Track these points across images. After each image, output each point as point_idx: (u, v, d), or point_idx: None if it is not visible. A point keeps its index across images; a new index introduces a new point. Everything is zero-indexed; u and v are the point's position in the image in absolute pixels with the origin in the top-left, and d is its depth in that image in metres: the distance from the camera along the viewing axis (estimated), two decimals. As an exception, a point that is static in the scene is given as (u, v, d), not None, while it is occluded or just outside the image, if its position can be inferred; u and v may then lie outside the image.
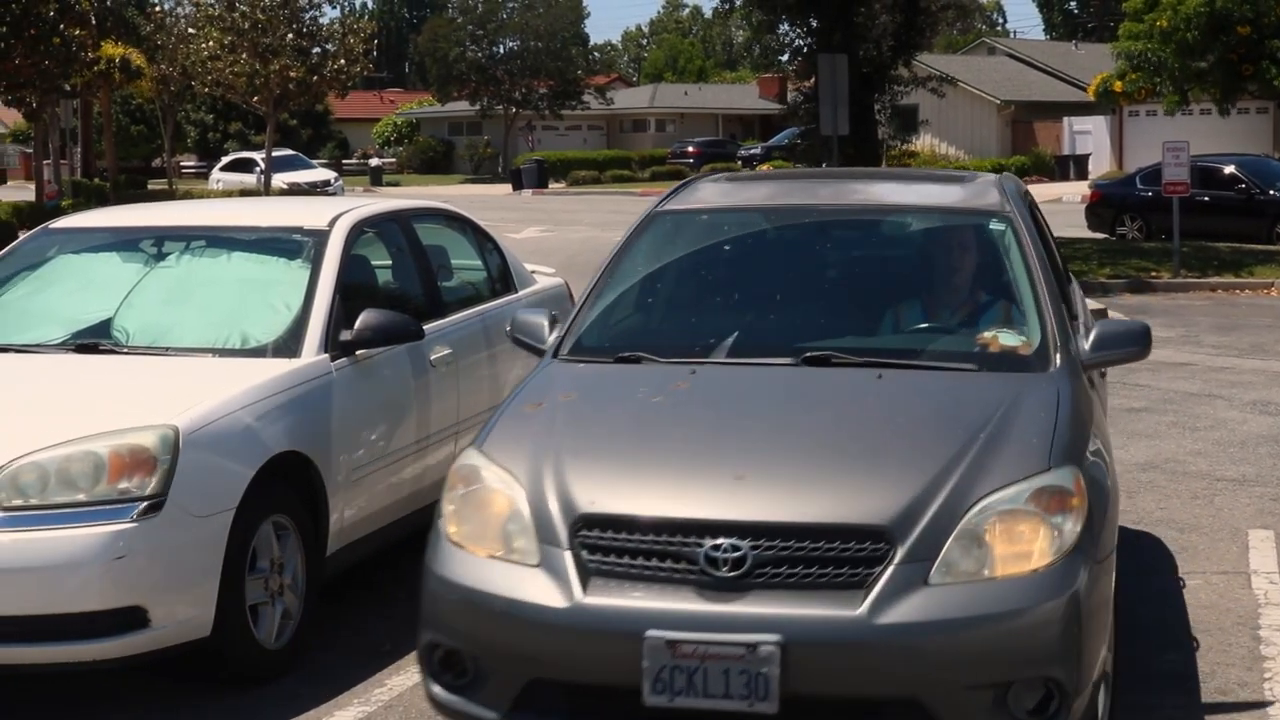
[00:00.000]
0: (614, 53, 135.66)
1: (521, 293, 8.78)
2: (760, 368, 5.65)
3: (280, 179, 46.60)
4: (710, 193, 7.03)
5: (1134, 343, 5.90)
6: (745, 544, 4.61)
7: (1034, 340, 5.73)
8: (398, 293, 7.80)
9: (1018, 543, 4.71)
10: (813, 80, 26.72)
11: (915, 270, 6.53)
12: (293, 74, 39.26)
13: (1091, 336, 5.86)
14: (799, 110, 29.90)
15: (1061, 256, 7.26)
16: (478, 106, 68.98)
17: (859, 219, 6.77)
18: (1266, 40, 43.18)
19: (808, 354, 5.62)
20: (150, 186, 51.26)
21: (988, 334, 5.82)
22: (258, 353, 6.64)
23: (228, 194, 43.40)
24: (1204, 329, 17.29)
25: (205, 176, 58.22)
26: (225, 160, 57.04)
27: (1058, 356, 5.63)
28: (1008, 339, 5.78)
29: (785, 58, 31.65)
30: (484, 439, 5.31)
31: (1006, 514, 4.73)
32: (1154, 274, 22.28)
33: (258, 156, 50.26)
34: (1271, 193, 27.77)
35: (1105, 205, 29.72)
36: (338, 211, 7.48)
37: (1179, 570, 7.74)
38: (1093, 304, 18.47)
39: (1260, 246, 25.67)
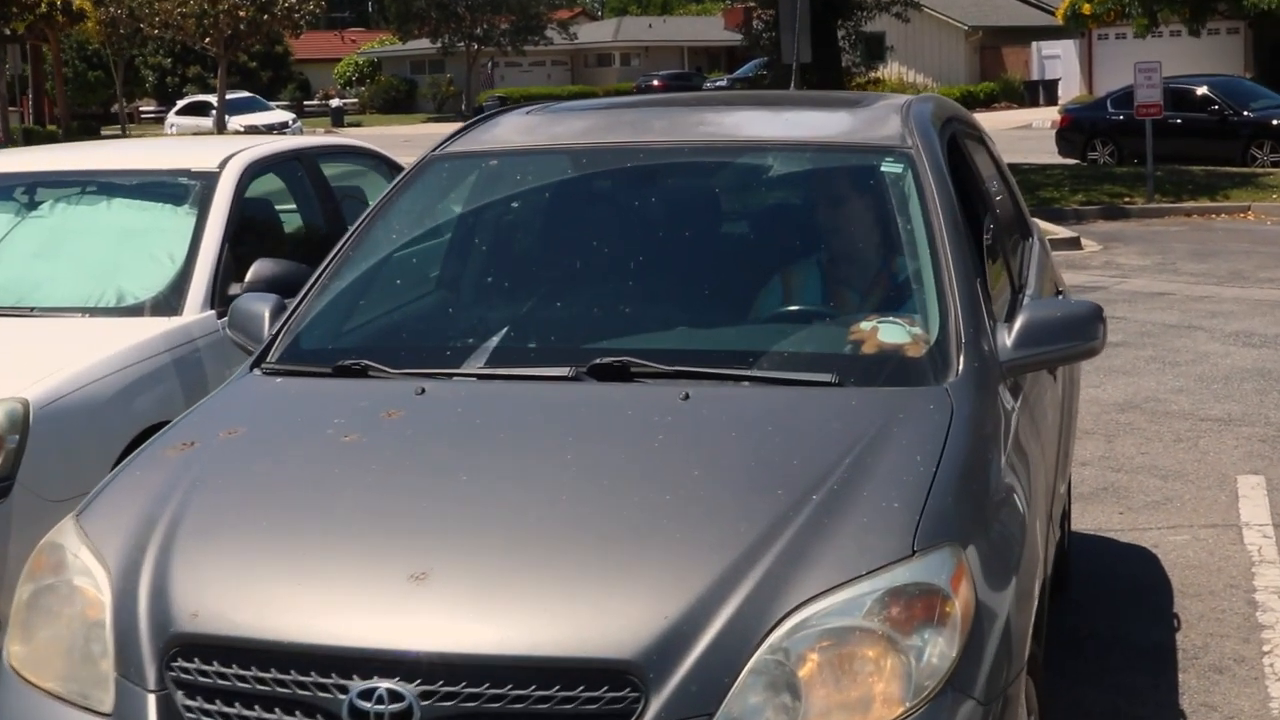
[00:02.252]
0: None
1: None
2: (522, 384, 3.93)
3: (236, 121, 46.00)
4: (510, 129, 5.13)
5: (1077, 334, 4.03)
6: (413, 688, 2.97)
7: (930, 333, 3.96)
8: (301, 240, 7.08)
9: (850, 683, 2.99)
10: (775, 7, 26.01)
11: (772, 232, 4.69)
12: (242, 13, 38.34)
13: (1015, 327, 4.02)
14: (761, 40, 29.21)
15: (1016, 200, 6.01)
16: (439, 44, 67.85)
17: (700, 162, 4.84)
18: (1237, -41, 42.55)
19: (595, 362, 3.87)
20: (103, 133, 50.21)
21: (864, 325, 4.04)
22: (134, 311, 5.92)
23: (181, 137, 42.51)
24: (1181, 256, 16.65)
25: (164, 121, 57.26)
26: (180, 104, 56.09)
27: (960, 359, 3.84)
28: (891, 333, 4.00)
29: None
30: (86, 503, 3.65)
31: (833, 635, 3.01)
32: (1128, 199, 21.64)
33: (213, 99, 49.38)
34: (1245, 114, 27.25)
35: (1076, 130, 29.17)
36: (230, 151, 6.74)
37: (1164, 523, 7.10)
38: (1065, 232, 17.92)
39: (1235, 169, 25.09)
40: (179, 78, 72.58)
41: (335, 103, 66.47)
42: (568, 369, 3.89)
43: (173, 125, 51.95)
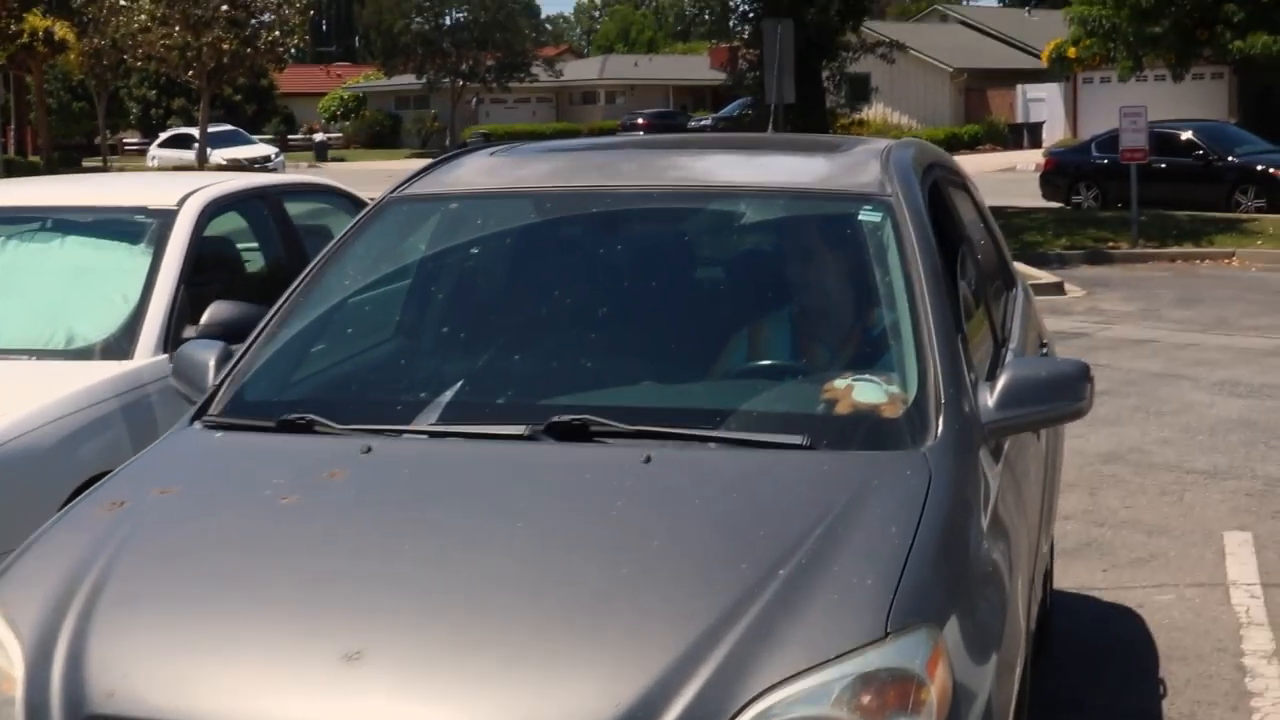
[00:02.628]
0: (566, 25, 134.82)
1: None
2: (475, 443, 3.68)
3: (219, 155, 45.85)
4: (473, 170, 4.93)
5: (1063, 395, 3.81)
6: None
7: (907, 393, 3.73)
8: (263, 281, 6.86)
9: None
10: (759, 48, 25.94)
11: (743, 283, 4.48)
12: (226, 46, 38.07)
13: (998, 386, 3.79)
14: (745, 79, 29.11)
15: (999, 248, 5.78)
16: (424, 80, 67.78)
17: (670, 208, 4.62)
18: (1221, 4, 42.59)
19: (553, 420, 3.63)
20: (85, 164, 49.97)
21: (838, 383, 3.80)
22: (83, 354, 5.70)
23: (162, 170, 42.31)
24: (1165, 302, 16.49)
25: (146, 153, 57.11)
26: (163, 136, 55.95)
27: (940, 421, 3.60)
28: (866, 392, 3.75)
29: (731, 23, 30.73)
30: (4, 568, 3.42)
31: None
32: (1112, 244, 21.51)
33: (196, 132, 49.19)
34: (1230, 159, 27.16)
35: (1060, 173, 29.08)
36: (190, 189, 6.53)
37: (1149, 581, 6.89)
38: (1048, 276, 17.77)
39: (1219, 214, 24.97)
40: (163, 110, 72.40)
41: (319, 137, 66.33)
42: (524, 427, 3.64)
43: (154, 158, 51.80)
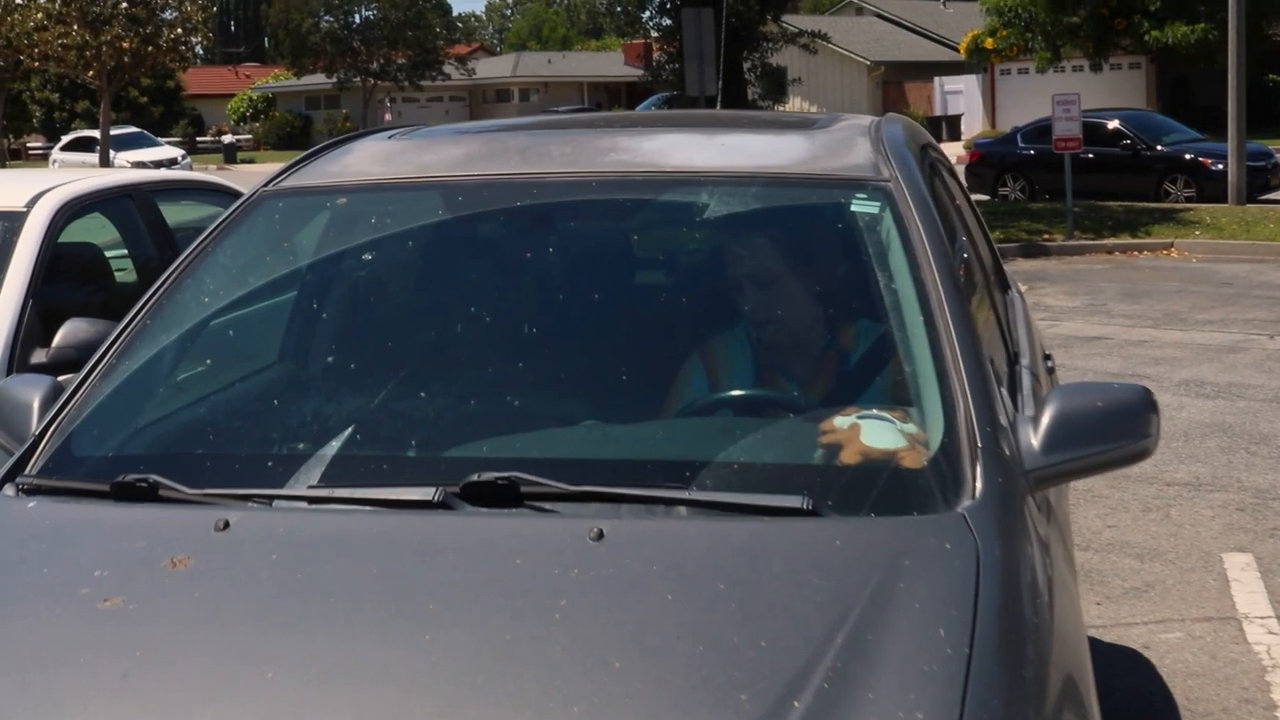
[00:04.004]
0: (478, 23, 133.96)
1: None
2: (367, 513, 2.74)
3: (123, 157, 44.61)
4: (366, 157, 3.93)
5: (1125, 430, 2.92)
6: None
7: (931, 433, 2.85)
8: (132, 295, 5.93)
9: None
10: (678, 40, 25.22)
11: (709, 295, 3.54)
12: (126, 44, 36.80)
13: (1044, 422, 2.91)
14: (663, 73, 28.36)
15: (991, 245, 4.85)
16: (335, 79, 66.48)
17: (613, 200, 3.59)
18: (1139, -7, 42.37)
19: (470, 479, 2.70)
20: (-16, 169, 48.44)
21: (839, 422, 2.94)
22: (-93, 386, 4.77)
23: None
24: (1111, 296, 15.79)
25: (48, 157, 55.60)
26: (65, 140, 54.38)
27: (978, 471, 2.72)
28: (877, 433, 2.89)
29: (647, 15, 29.96)
30: None
31: None
32: (1047, 236, 20.84)
33: (98, 134, 47.82)
34: (1159, 148, 26.63)
35: (986, 165, 28.47)
36: (43, 187, 5.61)
37: (1150, 616, 6.10)
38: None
39: (1154, 205, 24.42)
40: (67, 112, 70.66)
41: (228, 139, 64.92)
42: (432, 489, 2.70)
43: (56, 161, 50.34)
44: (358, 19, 67.82)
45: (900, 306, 3.14)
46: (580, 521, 2.62)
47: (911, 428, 2.91)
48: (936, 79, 56.71)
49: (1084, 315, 14.47)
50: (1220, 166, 24.58)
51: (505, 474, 2.69)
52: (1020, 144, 28.21)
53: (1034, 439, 2.92)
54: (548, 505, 2.70)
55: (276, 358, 3.65)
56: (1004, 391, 3.13)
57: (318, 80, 68.69)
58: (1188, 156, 26.37)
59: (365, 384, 3.26)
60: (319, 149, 4.03)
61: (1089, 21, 43.48)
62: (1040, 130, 26.55)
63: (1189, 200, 25.11)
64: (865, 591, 2.39)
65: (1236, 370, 11.27)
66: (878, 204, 3.36)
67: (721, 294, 3.49)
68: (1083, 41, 43.87)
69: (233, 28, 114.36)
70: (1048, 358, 4.88)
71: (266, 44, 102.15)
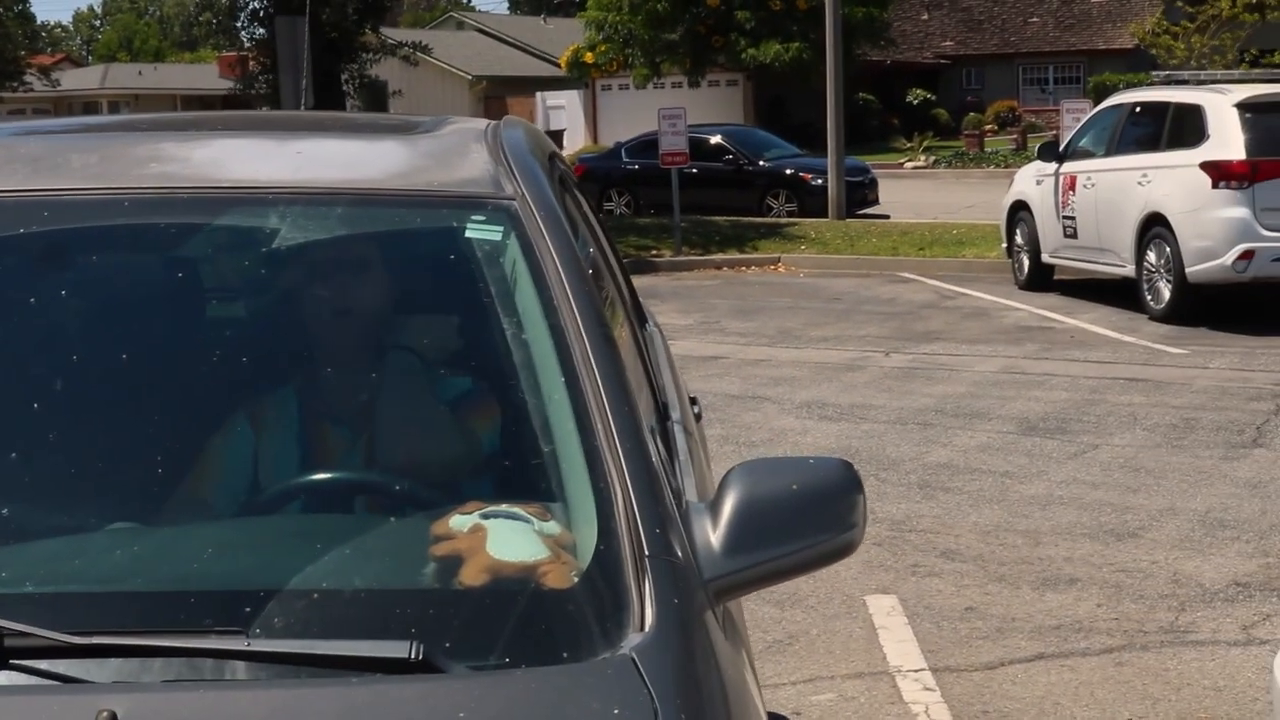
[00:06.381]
0: (64, 33, 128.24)
1: None
2: None
3: None
4: None
5: (826, 520, 2.29)
6: None
7: (583, 537, 2.16)
8: None
9: None
10: (273, 50, 24.11)
11: (274, 350, 2.65)
12: None
13: (726, 515, 2.25)
14: (256, 84, 27.14)
15: (626, 274, 4.10)
16: (-99, 89, 62.33)
17: (150, 226, 2.71)
18: (735, 12, 43.18)
19: None
20: None
21: (456, 522, 2.17)
22: None
23: None
24: (724, 313, 15.49)
25: None
26: None
27: (647, 590, 2.04)
28: (507, 539, 2.13)
29: (240, 23, 28.65)
30: None
31: None
32: (655, 252, 20.56)
33: None
34: (761, 163, 26.91)
35: (590, 180, 28.18)
36: None
37: (797, 674, 5.54)
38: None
39: (759, 220, 24.54)
40: None
41: None
42: None
43: None
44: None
45: (533, 363, 2.42)
46: (87, 695, 1.79)
47: (554, 528, 2.17)
48: (539, 94, 56.72)
49: (698, 334, 14.10)
50: (820, 181, 24.88)
51: None
52: (625, 159, 28.13)
53: (713, 536, 2.24)
54: (41, 666, 1.85)
55: None
56: (663, 461, 2.44)
57: (-117, 90, 64.30)
58: (789, 171, 26.70)
59: None
60: None
61: (686, 39, 44.14)
62: (644, 145, 26.47)
63: (791, 215, 25.35)
64: None
65: (856, 390, 10.99)
66: (500, 228, 2.63)
67: (290, 351, 2.65)
68: (681, 58, 44.52)
69: None
70: (694, 401, 4.24)
71: None
